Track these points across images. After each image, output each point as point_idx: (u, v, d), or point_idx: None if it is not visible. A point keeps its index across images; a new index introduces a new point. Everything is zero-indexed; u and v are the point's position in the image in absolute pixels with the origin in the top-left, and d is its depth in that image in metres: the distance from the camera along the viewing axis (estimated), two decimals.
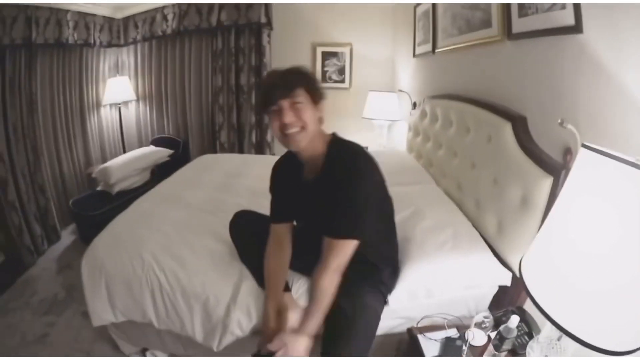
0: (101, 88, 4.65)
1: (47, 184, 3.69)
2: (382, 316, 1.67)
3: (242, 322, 1.75)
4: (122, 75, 4.86)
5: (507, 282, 1.73)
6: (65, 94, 4.08)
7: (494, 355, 1.44)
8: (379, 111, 4.01)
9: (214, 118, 4.73)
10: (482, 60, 2.37)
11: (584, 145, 0.95)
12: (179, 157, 4.52)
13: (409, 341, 1.65)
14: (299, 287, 1.77)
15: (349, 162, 1.48)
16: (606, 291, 0.88)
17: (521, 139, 1.79)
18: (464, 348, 1.44)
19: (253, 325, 1.75)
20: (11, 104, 3.27)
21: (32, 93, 3.49)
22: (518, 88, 1.97)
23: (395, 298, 1.74)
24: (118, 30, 4.77)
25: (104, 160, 4.45)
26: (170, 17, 4.57)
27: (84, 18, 4.07)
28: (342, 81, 4.66)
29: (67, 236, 3.84)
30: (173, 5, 4.52)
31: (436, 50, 3.07)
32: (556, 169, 1.52)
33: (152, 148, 4.59)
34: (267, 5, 4.28)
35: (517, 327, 1.43)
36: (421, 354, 1.52)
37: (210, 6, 4.37)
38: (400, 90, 4.12)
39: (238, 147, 4.81)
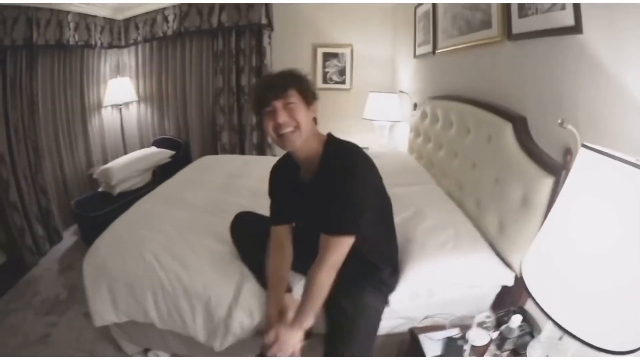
0: (102, 89, 4.65)
1: (49, 185, 3.69)
2: (384, 316, 1.68)
3: (244, 322, 1.75)
4: (123, 77, 4.86)
5: (509, 282, 1.74)
6: (66, 95, 4.08)
7: (495, 355, 1.45)
8: (380, 112, 4.02)
9: (215, 119, 4.73)
10: (482, 61, 2.37)
11: (583, 146, 0.96)
12: (180, 158, 4.51)
13: (410, 341, 1.65)
14: (301, 288, 1.76)
15: (344, 160, 1.50)
16: (606, 291, 0.89)
17: (522, 139, 1.80)
18: (466, 348, 1.45)
19: (255, 326, 1.76)
20: (12, 105, 3.28)
21: (33, 94, 3.50)
22: (518, 88, 1.97)
23: (397, 298, 1.75)
24: (119, 31, 4.77)
25: (105, 161, 4.45)
26: (170, 18, 4.57)
27: (84, 19, 4.07)
28: (343, 82, 4.66)
29: (69, 237, 3.85)
30: (174, 6, 4.52)
31: (436, 51, 3.07)
32: (557, 169, 1.53)
33: (153, 149, 4.58)
34: (267, 7, 4.29)
35: (519, 327, 1.43)
36: (423, 354, 1.52)
37: (211, 7, 4.37)
38: (401, 91, 4.12)
39: (239, 148, 4.81)
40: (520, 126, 1.85)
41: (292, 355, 1.51)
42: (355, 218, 1.48)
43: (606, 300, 0.89)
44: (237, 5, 4.31)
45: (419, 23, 3.44)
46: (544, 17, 1.65)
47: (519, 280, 1.66)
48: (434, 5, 3.02)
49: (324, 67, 4.63)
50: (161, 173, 4.22)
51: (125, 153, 4.77)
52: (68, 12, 3.80)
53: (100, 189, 3.98)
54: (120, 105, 4.86)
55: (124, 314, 1.94)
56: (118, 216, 2.36)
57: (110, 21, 4.56)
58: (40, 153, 3.58)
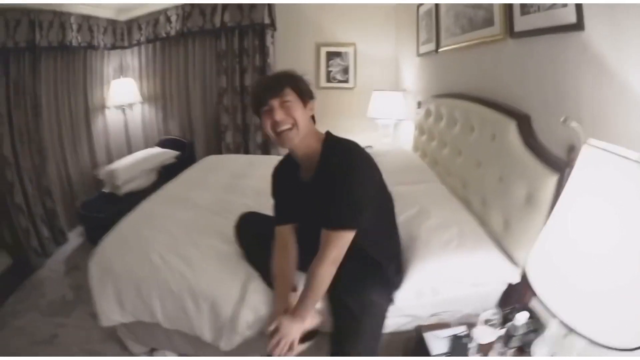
0: (106, 90, 4.65)
1: (54, 187, 3.71)
2: (390, 314, 1.68)
3: (251, 322, 1.75)
4: (126, 77, 4.86)
5: (515, 279, 1.74)
6: (70, 96, 4.09)
7: (500, 352, 1.45)
8: (384, 110, 4.02)
9: (219, 119, 4.73)
10: (485, 58, 2.37)
11: (587, 143, 0.96)
12: (185, 159, 4.52)
13: (416, 339, 1.65)
14: None
15: (343, 157, 1.53)
16: (611, 289, 0.89)
17: (525, 137, 1.80)
18: (471, 346, 1.45)
19: (261, 326, 1.76)
20: (16, 107, 3.29)
21: (36, 96, 3.50)
22: (521, 86, 1.97)
23: (402, 296, 1.75)
24: (122, 32, 4.78)
25: (110, 162, 4.43)
26: (173, 18, 4.58)
27: (87, 21, 4.08)
28: (347, 81, 4.66)
29: (75, 238, 3.86)
30: (176, 7, 4.53)
31: (439, 49, 3.07)
32: (561, 166, 1.53)
33: (158, 149, 4.59)
34: (270, 6, 4.28)
35: (525, 324, 1.43)
36: (428, 352, 1.53)
37: (214, 7, 4.37)
38: (405, 90, 4.12)
39: (244, 147, 4.81)
40: (524, 124, 1.85)
41: (291, 345, 1.53)
42: (355, 213, 1.50)
43: (610, 297, 0.89)
44: (239, 6, 4.31)
45: (422, 21, 3.44)
46: (546, 14, 1.65)
47: (525, 277, 1.66)
48: (437, 4, 3.02)
49: (328, 66, 4.63)
50: (166, 173, 4.21)
51: (130, 154, 4.77)
52: (70, 14, 3.81)
53: (105, 190, 3.98)
54: (124, 106, 4.86)
55: (130, 314, 1.95)
56: (124, 217, 2.37)
57: (112, 22, 4.56)
58: (45, 154, 3.59)
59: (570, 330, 0.95)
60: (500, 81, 2.20)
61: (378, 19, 4.42)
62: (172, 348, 2.11)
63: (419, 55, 3.66)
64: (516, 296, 1.76)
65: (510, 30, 1.98)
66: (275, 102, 1.52)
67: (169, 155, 4.50)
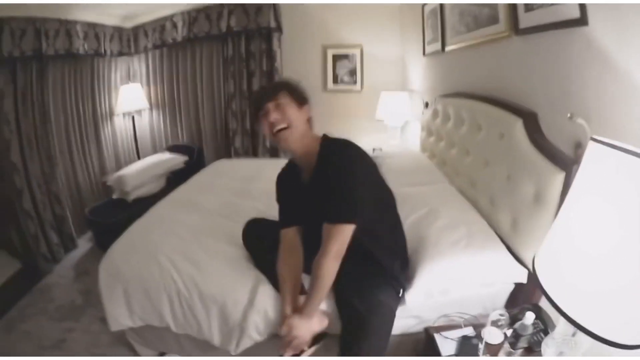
0: (114, 97, 4.68)
1: (63, 193, 3.73)
2: (399, 315, 1.68)
3: (260, 325, 1.76)
4: (134, 84, 4.89)
5: (523, 279, 1.73)
6: (77, 103, 4.12)
7: (509, 353, 1.44)
8: (392, 111, 4.02)
9: (227, 124, 4.75)
10: (491, 57, 2.37)
11: (592, 139, 0.95)
12: (194, 164, 4.54)
13: (426, 340, 1.65)
14: None
15: (338, 154, 1.59)
16: (621, 287, 0.88)
17: (532, 135, 1.79)
18: (481, 346, 1.44)
19: (270, 329, 1.77)
20: (24, 115, 3.31)
21: (44, 103, 3.52)
22: (527, 84, 1.96)
23: (412, 297, 1.75)
24: (128, 39, 4.81)
25: (119, 168, 4.47)
26: (179, 24, 4.60)
27: (93, 28, 4.10)
28: (354, 83, 4.65)
29: (84, 244, 3.88)
30: (182, 12, 4.55)
31: (446, 49, 3.06)
32: (568, 163, 1.52)
33: (167, 155, 4.61)
34: (275, 10, 4.30)
35: (533, 324, 1.42)
36: (438, 353, 1.52)
37: (219, 12, 4.39)
38: (412, 90, 4.11)
39: (252, 152, 4.84)
40: (531, 122, 1.84)
41: (302, 342, 1.60)
42: (354, 206, 1.53)
43: (619, 295, 0.88)
44: (245, 10, 4.33)
45: (427, 21, 3.43)
46: (549, 10, 1.65)
47: (533, 277, 1.65)
48: (441, 3, 3.01)
49: (335, 68, 4.63)
50: (175, 179, 4.24)
51: (139, 160, 4.78)
52: (76, 22, 3.83)
53: (114, 196, 4.00)
54: (132, 112, 4.89)
55: (140, 318, 1.96)
56: (133, 222, 2.39)
57: (119, 29, 4.59)
58: (54, 161, 3.61)
59: (579, 328, 0.94)
60: (506, 79, 2.19)
61: (383, 20, 4.41)
62: (181, 352, 2.11)
63: (425, 55, 3.65)
64: (524, 296, 1.75)
65: (515, 27, 1.97)
66: (270, 105, 1.61)
67: (177, 160, 4.53)
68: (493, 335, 1.44)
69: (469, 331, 1.56)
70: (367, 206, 1.58)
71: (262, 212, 2.25)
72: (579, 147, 1.51)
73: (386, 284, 1.68)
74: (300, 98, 1.68)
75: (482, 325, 1.51)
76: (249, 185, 3.04)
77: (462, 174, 2.54)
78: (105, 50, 4.34)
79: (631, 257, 0.84)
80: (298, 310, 1.63)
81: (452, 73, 3.09)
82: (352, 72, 4.62)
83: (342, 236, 1.52)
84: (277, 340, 1.69)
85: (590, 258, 0.92)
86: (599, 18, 1.39)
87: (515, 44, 2.04)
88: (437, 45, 3.19)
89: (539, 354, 1.38)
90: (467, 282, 1.79)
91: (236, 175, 3.28)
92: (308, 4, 4.38)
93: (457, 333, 1.55)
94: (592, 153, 0.95)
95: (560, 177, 1.52)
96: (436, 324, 1.67)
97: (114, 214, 3.62)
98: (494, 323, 1.45)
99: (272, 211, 2.01)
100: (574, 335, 1.13)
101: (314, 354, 1.68)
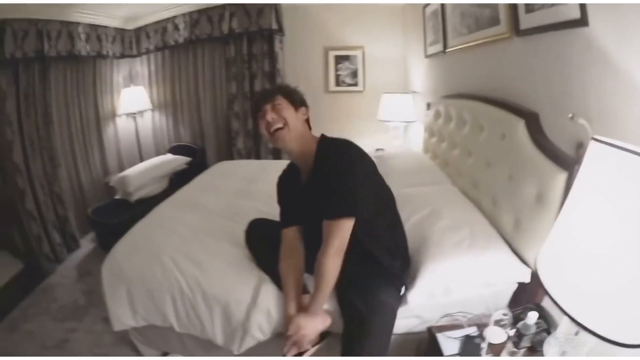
0: (116, 98, 4.68)
1: (65, 194, 3.73)
2: (402, 315, 1.70)
3: (263, 325, 1.76)
4: (136, 85, 4.90)
5: (526, 278, 1.72)
6: (80, 105, 4.13)
7: (512, 352, 1.44)
8: (394, 113, 4.02)
9: (229, 125, 4.76)
10: (492, 58, 2.37)
11: (594, 139, 0.95)
12: (197, 165, 4.54)
13: (428, 340, 1.65)
14: None
15: (336, 153, 1.62)
16: (623, 286, 0.88)
17: (534, 135, 1.79)
18: (483, 346, 1.44)
19: (274, 328, 1.77)
20: (26, 116, 3.32)
21: (47, 105, 3.53)
22: (529, 84, 1.97)
23: (414, 297, 1.75)
24: (130, 41, 4.81)
25: (121, 169, 4.48)
26: (181, 26, 4.61)
27: (95, 30, 4.11)
28: (356, 84, 4.67)
29: (87, 244, 3.89)
30: (183, 14, 4.56)
31: (447, 50, 3.07)
32: (569, 163, 1.52)
33: (169, 156, 4.62)
34: (277, 12, 4.31)
35: (536, 323, 1.42)
36: (441, 352, 1.52)
37: (221, 14, 4.40)
38: (414, 91, 4.12)
39: (255, 153, 4.84)
40: (533, 122, 1.84)
41: (308, 341, 1.61)
42: (352, 201, 1.56)
43: (621, 294, 0.88)
44: (247, 11, 4.34)
45: (429, 22, 3.44)
46: (550, 11, 1.65)
47: (535, 276, 1.65)
48: (443, 4, 3.01)
49: (337, 70, 4.65)
50: (177, 180, 4.24)
51: (141, 161, 4.81)
52: (78, 24, 3.84)
53: (117, 197, 4.01)
54: (135, 113, 4.90)
55: (143, 318, 1.96)
56: (136, 223, 2.39)
57: (121, 31, 4.60)
58: (56, 162, 3.62)
59: (581, 327, 0.94)
60: (508, 80, 2.19)
61: (385, 21, 4.42)
62: (184, 352, 2.12)
63: (427, 56, 3.65)
64: (527, 296, 1.75)
65: (516, 29, 1.98)
66: (267, 106, 1.69)
67: (180, 161, 4.53)
68: (496, 334, 1.44)
69: (472, 331, 1.56)
70: (366, 205, 1.60)
71: (264, 213, 2.26)
72: (580, 147, 1.51)
73: (387, 283, 1.69)
74: (297, 101, 1.74)
75: (485, 325, 1.51)
76: (251, 187, 3.05)
77: (464, 174, 2.54)
78: (107, 52, 4.35)
79: (633, 256, 0.84)
80: (303, 309, 1.64)
81: (454, 74, 3.09)
82: (354, 74, 4.64)
83: (341, 232, 1.54)
84: (280, 339, 1.70)
85: (592, 257, 0.93)
86: (599, 18, 1.40)
87: (516, 45, 2.05)
88: (439, 47, 3.20)
89: (542, 353, 1.39)
90: (470, 282, 1.79)
91: (238, 177, 3.29)
92: (310, 6, 4.39)
93: (460, 333, 1.56)
94: (594, 153, 0.96)
95: (562, 177, 1.53)
96: (439, 324, 1.67)
97: (117, 215, 3.62)
98: (497, 323, 1.46)
99: (273, 212, 2.02)
100: (576, 334, 1.13)
101: (315, 353, 1.69)
